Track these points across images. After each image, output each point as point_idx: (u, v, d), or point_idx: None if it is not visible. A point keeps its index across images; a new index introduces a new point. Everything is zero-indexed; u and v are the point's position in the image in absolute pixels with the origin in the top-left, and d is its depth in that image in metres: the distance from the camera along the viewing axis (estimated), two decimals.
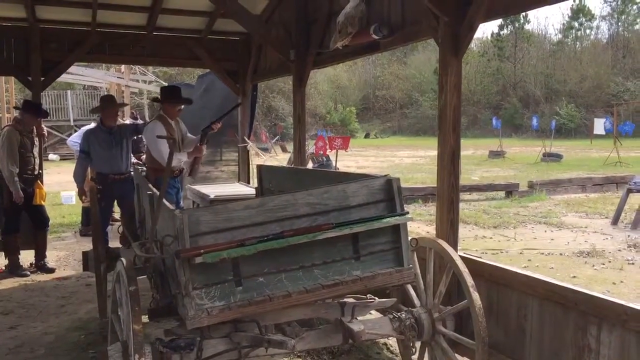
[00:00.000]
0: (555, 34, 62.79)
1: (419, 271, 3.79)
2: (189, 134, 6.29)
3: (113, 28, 8.21)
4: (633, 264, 7.66)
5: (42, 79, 7.86)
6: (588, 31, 56.20)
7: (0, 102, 19.52)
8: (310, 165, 14.31)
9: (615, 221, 10.38)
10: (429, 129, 47.14)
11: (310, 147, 15.36)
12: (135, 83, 24.24)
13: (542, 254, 8.22)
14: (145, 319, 3.06)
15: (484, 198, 13.95)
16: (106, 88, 25.42)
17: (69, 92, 29.35)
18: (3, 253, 7.14)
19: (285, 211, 3.01)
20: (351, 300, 3.43)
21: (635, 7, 52.46)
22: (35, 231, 7.21)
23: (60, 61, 7.98)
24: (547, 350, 3.32)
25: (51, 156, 24.18)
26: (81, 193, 6.93)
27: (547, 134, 28.77)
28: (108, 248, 5.31)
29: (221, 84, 9.44)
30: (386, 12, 5.14)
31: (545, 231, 9.86)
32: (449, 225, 4.02)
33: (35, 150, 7.13)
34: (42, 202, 7.15)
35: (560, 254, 8.18)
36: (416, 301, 3.82)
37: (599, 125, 25.11)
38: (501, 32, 55.44)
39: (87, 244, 6.51)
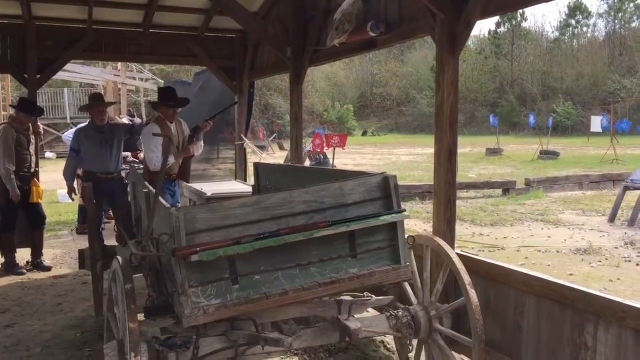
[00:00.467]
0: (552, 32, 62.90)
1: (415, 269, 3.79)
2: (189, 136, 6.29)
3: (109, 25, 8.18)
4: (630, 261, 7.68)
5: (38, 76, 7.83)
6: (585, 29, 56.35)
7: None
8: (307, 163, 14.30)
9: (612, 218, 10.40)
10: (426, 127, 47.20)
11: (308, 144, 15.36)
12: (132, 81, 24.20)
13: (539, 251, 8.23)
14: (141, 317, 3.05)
15: (481, 195, 13.97)
16: (103, 86, 25.35)
17: (65, 89, 29.28)
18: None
19: (281, 209, 3.00)
20: (348, 298, 3.43)
21: (632, 4, 52.53)
22: (32, 229, 7.18)
23: (56, 59, 7.95)
24: (544, 348, 3.32)
25: (47, 154, 24.12)
26: (71, 191, 6.87)
27: (544, 132, 28.83)
28: (104, 246, 5.30)
29: (217, 81, 9.43)
30: (383, 9, 5.13)
31: (542, 228, 9.87)
32: (445, 223, 4.02)
33: (32, 148, 7.10)
34: (39, 200, 7.13)
35: (557, 252, 8.19)
36: (413, 299, 3.82)
37: (596, 123, 25.18)
38: (498, 30, 55.54)
39: (84, 242, 6.49)
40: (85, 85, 29.44)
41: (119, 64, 21.31)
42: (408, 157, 26.33)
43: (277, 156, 22.99)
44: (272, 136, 32.79)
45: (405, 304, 3.80)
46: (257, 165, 5.44)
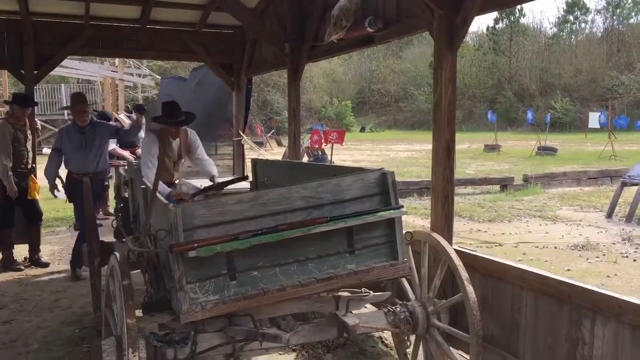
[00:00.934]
0: (551, 28, 63.05)
1: (413, 265, 3.80)
2: (200, 151, 5.83)
3: (106, 21, 8.16)
4: (627, 257, 7.69)
5: (36, 72, 7.82)
6: (583, 25, 56.33)
7: None
8: (305, 159, 14.29)
9: (609, 214, 10.41)
10: (425, 123, 47.22)
11: (306, 141, 15.35)
12: (130, 77, 24.14)
13: (537, 247, 8.24)
14: (139, 313, 3.05)
15: (479, 192, 13.98)
16: (100, 82, 25.32)
17: (62, 85, 29.21)
18: None
19: (279, 205, 3.00)
20: (346, 294, 3.43)
21: (630, 0, 52.53)
22: (29, 226, 7.17)
23: (53, 54, 7.93)
24: (542, 343, 3.33)
25: (45, 150, 24.03)
26: (53, 189, 6.72)
27: (542, 128, 28.83)
28: (102, 242, 5.29)
29: (214, 77, 9.41)
30: (381, 5, 5.13)
31: (540, 224, 9.88)
32: (443, 219, 4.02)
33: (29, 144, 7.08)
34: (36, 197, 7.12)
35: (555, 247, 8.20)
36: (411, 295, 3.82)
37: (594, 119, 25.19)
38: (496, 26, 55.52)
39: None
40: (83, 82, 29.38)
41: (117, 60, 21.27)
42: (406, 154, 26.33)
43: (275, 152, 22.97)
44: (270, 132, 32.76)
45: (403, 300, 3.80)
46: (255, 162, 5.43)
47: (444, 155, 4.00)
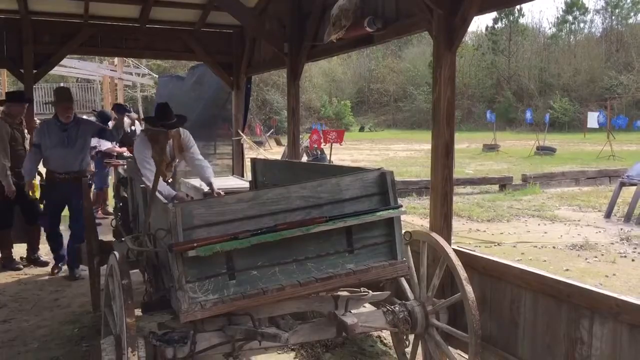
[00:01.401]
0: (550, 28, 63.10)
1: (412, 264, 3.80)
2: (194, 151, 5.73)
3: (106, 20, 8.16)
4: (625, 257, 7.70)
5: (35, 71, 7.82)
6: (582, 25, 56.36)
7: None
8: (304, 159, 14.30)
9: (608, 214, 10.42)
10: (424, 123, 47.22)
11: (305, 140, 15.35)
12: (129, 76, 24.14)
13: (536, 247, 8.25)
14: (138, 312, 3.06)
15: (478, 191, 13.99)
16: (99, 81, 25.30)
17: (62, 84, 29.19)
18: None
19: (278, 204, 3.01)
20: (345, 293, 3.44)
21: (628, 0, 52.56)
22: (28, 225, 7.17)
23: (52, 53, 7.93)
24: (540, 343, 3.34)
25: None
26: (29, 187, 6.58)
27: (541, 128, 28.85)
28: (101, 242, 5.29)
29: (213, 76, 9.40)
30: (380, 5, 5.13)
31: (539, 224, 9.89)
32: (442, 219, 4.02)
33: (27, 144, 7.07)
34: (35, 196, 7.11)
35: (553, 247, 8.21)
36: (410, 294, 3.83)
37: (593, 119, 25.22)
38: (496, 26, 55.51)
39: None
40: (82, 81, 29.38)
41: (116, 59, 21.26)
42: (405, 153, 26.33)
43: (274, 152, 22.97)
44: (270, 132, 32.76)
45: (402, 299, 3.81)
46: (254, 161, 5.43)
47: (443, 155, 4.00)
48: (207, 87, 10.17)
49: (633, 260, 7.55)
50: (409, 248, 3.80)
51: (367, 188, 3.22)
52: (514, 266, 3.58)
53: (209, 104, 9.97)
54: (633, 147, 25.89)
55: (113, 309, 3.20)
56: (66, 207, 6.69)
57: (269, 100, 45.46)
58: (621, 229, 9.40)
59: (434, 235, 3.80)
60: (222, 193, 5.39)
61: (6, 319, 5.33)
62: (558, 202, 12.26)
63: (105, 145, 9.98)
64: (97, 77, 24.77)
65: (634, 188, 10.35)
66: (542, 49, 53.65)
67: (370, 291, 3.58)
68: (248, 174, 7.36)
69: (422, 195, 12.62)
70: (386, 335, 4.66)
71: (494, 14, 54.37)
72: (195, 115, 9.77)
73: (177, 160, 5.89)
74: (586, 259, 7.59)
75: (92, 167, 9.99)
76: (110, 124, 10.22)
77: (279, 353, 4.38)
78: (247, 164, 7.52)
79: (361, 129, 50.15)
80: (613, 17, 53.66)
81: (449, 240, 3.90)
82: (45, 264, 7.16)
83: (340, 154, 22.27)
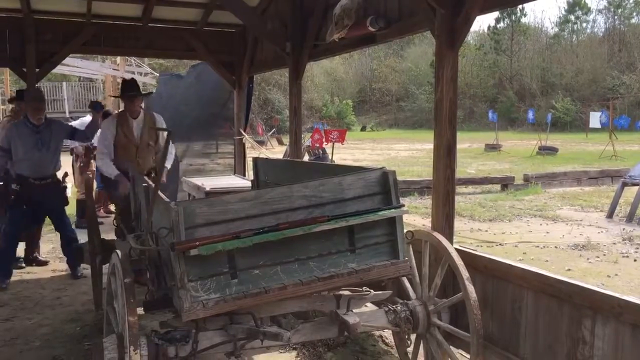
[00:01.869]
0: (552, 28, 62.96)
1: (414, 264, 3.80)
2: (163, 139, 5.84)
3: (108, 19, 8.16)
4: (627, 257, 7.70)
5: (37, 70, 7.82)
6: (584, 25, 56.36)
7: None
8: (306, 158, 14.30)
9: (610, 214, 10.42)
10: (426, 122, 47.20)
11: (307, 139, 15.34)
12: (131, 75, 24.14)
13: (537, 246, 8.25)
14: (140, 311, 3.06)
15: (480, 191, 13.98)
16: (102, 80, 25.32)
17: (64, 83, 29.24)
18: None
19: (281, 204, 3.01)
20: (347, 292, 3.44)
21: (631, 0, 52.47)
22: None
23: (55, 52, 7.93)
24: (542, 343, 3.34)
25: None
26: None
27: (543, 128, 28.80)
28: (103, 240, 5.30)
29: (211, 74, 9.38)
30: (383, 5, 5.13)
31: (541, 224, 9.89)
32: (444, 218, 4.02)
33: None
34: None
35: (555, 247, 8.21)
36: (411, 294, 3.83)
37: (595, 119, 25.19)
38: (498, 25, 55.45)
39: (82, 236, 6.49)
40: (84, 80, 29.41)
41: (118, 58, 21.27)
42: (407, 153, 26.33)
43: (276, 151, 22.97)
44: (271, 131, 32.76)
45: (403, 298, 3.81)
46: (256, 160, 5.43)
47: (445, 155, 4.00)
48: (205, 86, 10.15)
49: (635, 260, 7.54)
50: (410, 247, 3.81)
51: (369, 187, 3.22)
52: (516, 266, 3.58)
53: (209, 103, 9.96)
54: (635, 147, 25.85)
55: (115, 308, 3.21)
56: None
57: (270, 99, 45.46)
58: (623, 229, 9.39)
59: (436, 234, 3.80)
60: (164, 180, 5.39)
61: (8, 317, 5.34)
62: (560, 202, 12.25)
63: None
64: (100, 76, 24.79)
65: (636, 188, 10.33)
66: (545, 48, 53.61)
67: (372, 290, 3.57)
68: (249, 174, 7.37)
69: (423, 194, 12.62)
70: (388, 334, 4.66)
71: (496, 14, 54.32)
72: (195, 114, 9.76)
73: (153, 147, 5.86)
74: (588, 259, 7.58)
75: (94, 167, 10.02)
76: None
77: (281, 352, 4.39)
78: (249, 163, 7.52)
79: (363, 129, 50.13)
80: (615, 17, 53.61)
81: (450, 240, 3.90)
82: (44, 263, 7.16)
83: (342, 154, 22.27)
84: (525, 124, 38.61)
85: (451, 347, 3.64)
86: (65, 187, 6.59)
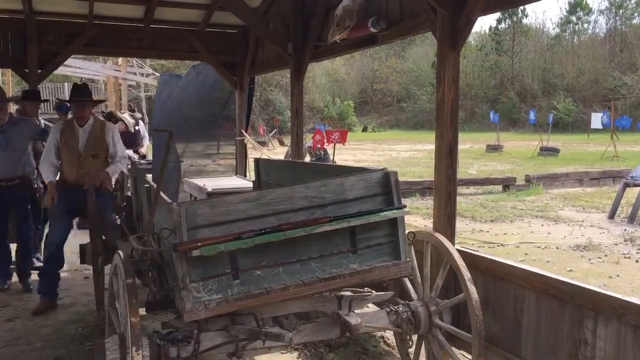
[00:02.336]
0: (553, 28, 62.89)
1: (416, 264, 3.80)
2: (114, 149, 5.62)
3: (110, 20, 8.17)
4: (629, 258, 7.69)
5: (39, 71, 7.83)
6: (586, 25, 56.33)
7: None
8: (307, 159, 14.30)
9: (611, 215, 10.41)
10: (427, 123, 47.18)
11: (308, 140, 15.35)
12: (133, 76, 24.15)
13: (539, 247, 8.24)
14: (142, 311, 3.06)
15: (481, 192, 13.98)
16: (103, 81, 25.34)
17: (66, 84, 29.25)
18: None
19: (282, 204, 3.01)
20: (348, 293, 3.44)
21: (633, 1, 52.43)
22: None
23: (57, 53, 7.94)
24: (544, 344, 3.33)
25: None
26: None
27: (545, 128, 28.80)
28: (105, 241, 5.30)
29: (211, 74, 9.38)
30: (384, 6, 5.13)
31: (542, 225, 9.88)
32: (446, 219, 4.02)
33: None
34: None
35: (557, 248, 8.20)
36: (413, 294, 3.83)
37: (596, 120, 25.19)
38: (499, 26, 55.45)
39: (85, 237, 6.49)
40: (86, 80, 29.43)
41: (120, 59, 21.29)
42: (408, 153, 26.33)
43: (277, 152, 22.99)
44: (273, 132, 32.78)
45: (405, 299, 3.81)
46: (257, 161, 5.44)
47: (446, 155, 4.00)
48: (206, 86, 10.15)
49: (637, 261, 7.53)
50: (412, 248, 3.81)
51: (371, 188, 3.23)
52: (518, 267, 3.58)
53: (210, 103, 9.95)
54: (637, 147, 25.83)
55: (117, 308, 3.21)
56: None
57: (272, 100, 45.49)
58: (625, 229, 9.38)
59: (438, 235, 3.80)
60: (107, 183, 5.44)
61: (10, 317, 5.34)
62: (561, 202, 12.25)
63: None
64: (101, 77, 24.81)
65: (637, 189, 10.34)
66: (546, 49, 53.58)
67: (373, 291, 3.58)
68: (251, 174, 7.37)
69: (425, 195, 12.63)
70: (389, 335, 4.66)
71: (497, 15, 54.32)
72: (196, 114, 9.76)
73: (102, 156, 5.58)
74: (590, 259, 7.58)
75: None
76: (119, 125, 10.24)
77: (283, 353, 4.39)
78: (250, 163, 7.52)
79: (364, 129, 50.14)
80: (617, 18, 53.56)
81: (452, 241, 3.90)
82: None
83: (343, 154, 22.27)
84: (527, 125, 38.61)
85: (453, 348, 3.64)
86: (37, 189, 6.45)
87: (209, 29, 8.67)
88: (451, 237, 3.95)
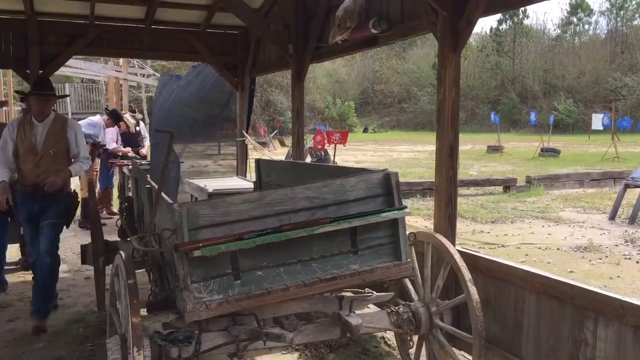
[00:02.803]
0: (554, 29, 62.86)
1: (416, 265, 3.81)
2: (76, 147, 5.23)
3: (111, 21, 8.18)
4: (630, 259, 7.69)
5: (41, 72, 7.83)
6: (587, 26, 56.33)
7: None
8: (308, 160, 14.32)
9: (612, 216, 10.41)
10: (427, 124, 47.22)
11: (309, 141, 15.36)
12: (134, 77, 24.15)
13: (540, 248, 8.24)
14: (143, 312, 3.07)
15: (482, 193, 13.98)
16: (104, 81, 25.35)
17: (67, 85, 29.28)
18: None
19: (283, 205, 3.02)
20: (349, 294, 3.44)
21: (634, 2, 52.43)
22: None
23: (58, 54, 7.95)
24: (544, 345, 3.34)
25: None
26: None
27: (545, 129, 28.83)
28: (106, 241, 5.30)
29: (211, 75, 9.39)
30: (385, 7, 5.14)
31: (543, 226, 9.88)
32: (447, 220, 4.03)
33: None
34: None
35: (558, 249, 8.20)
36: (414, 295, 3.83)
37: (597, 121, 25.19)
38: (500, 27, 55.49)
39: (86, 237, 6.51)
40: (87, 81, 29.48)
41: (121, 59, 21.31)
42: (409, 154, 26.33)
43: (278, 153, 23.00)
44: (273, 133, 32.79)
45: (406, 300, 3.81)
46: (258, 162, 5.45)
47: (447, 156, 4.01)
48: (206, 87, 10.15)
49: (638, 262, 7.53)
50: (413, 249, 3.82)
51: (372, 189, 3.23)
52: (518, 267, 3.58)
53: (210, 104, 9.95)
54: (638, 149, 25.82)
55: (118, 309, 3.22)
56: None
57: (272, 101, 45.51)
58: (625, 230, 9.38)
59: (438, 236, 3.80)
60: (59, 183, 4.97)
61: (11, 318, 5.35)
62: (562, 203, 12.25)
63: (111, 144, 10.02)
64: (102, 78, 24.82)
65: (638, 190, 10.33)
66: (547, 50, 53.61)
67: (374, 292, 3.58)
68: (251, 175, 7.38)
69: (425, 196, 12.62)
70: (390, 336, 4.66)
71: (498, 16, 54.33)
72: (196, 115, 9.76)
73: (74, 152, 5.22)
74: (590, 260, 7.58)
75: (97, 166, 10.05)
76: (121, 125, 10.27)
77: (283, 353, 4.40)
78: (251, 164, 7.52)
79: (365, 130, 50.17)
80: (618, 19, 53.55)
81: (453, 242, 3.90)
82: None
83: (344, 155, 22.28)
84: (528, 126, 38.60)
85: (453, 348, 3.64)
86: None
87: (210, 29, 8.68)
88: (452, 238, 3.95)
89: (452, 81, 3.95)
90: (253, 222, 2.94)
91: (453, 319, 3.72)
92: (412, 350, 3.99)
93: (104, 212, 9.96)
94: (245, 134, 9.32)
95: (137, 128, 10.84)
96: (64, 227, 5.36)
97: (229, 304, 2.89)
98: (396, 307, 3.62)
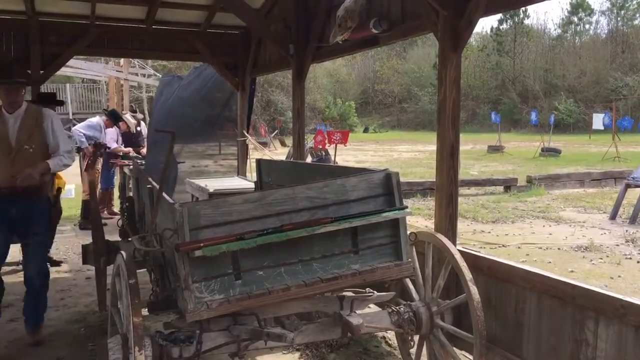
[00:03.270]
0: (555, 29, 62.88)
1: (417, 265, 3.81)
2: (55, 141, 4.70)
3: (112, 21, 8.20)
4: (630, 258, 7.68)
5: (42, 72, 7.85)
6: (587, 26, 56.29)
7: None
8: (309, 160, 14.31)
9: (613, 216, 10.40)
10: (428, 124, 47.21)
11: (309, 141, 15.36)
12: (134, 77, 24.18)
13: (540, 248, 8.24)
14: (144, 312, 3.07)
15: (483, 193, 13.98)
16: (105, 81, 25.36)
17: (68, 85, 29.31)
18: None
19: (284, 205, 3.02)
20: (350, 294, 3.45)
21: (634, 1, 52.41)
22: None
23: (59, 54, 7.97)
24: (545, 345, 3.34)
25: None
26: None
27: (546, 129, 28.81)
28: (108, 241, 5.31)
29: (211, 75, 9.40)
30: (386, 7, 5.14)
31: (544, 226, 9.88)
32: (447, 220, 4.03)
33: None
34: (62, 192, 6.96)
35: (558, 249, 8.20)
36: (415, 295, 3.83)
37: (598, 120, 25.18)
38: (501, 27, 55.48)
39: (87, 237, 6.51)
40: (88, 81, 29.49)
41: (122, 59, 21.32)
42: (410, 154, 26.33)
43: (279, 153, 23.01)
44: (274, 133, 32.80)
45: (406, 300, 3.81)
46: (259, 162, 5.45)
47: (448, 156, 4.01)
48: (206, 87, 10.16)
49: (638, 262, 7.53)
50: (414, 249, 3.82)
51: (373, 189, 3.23)
52: (519, 267, 3.58)
53: (211, 104, 9.96)
54: (638, 148, 25.81)
55: (120, 309, 3.22)
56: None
57: (273, 101, 45.51)
58: (626, 230, 9.38)
59: (439, 236, 3.81)
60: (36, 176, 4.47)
61: (12, 318, 5.35)
62: (563, 203, 12.24)
63: (112, 144, 10.02)
64: (103, 78, 24.84)
65: (639, 190, 10.33)
66: (547, 50, 53.58)
67: (375, 292, 3.58)
68: (252, 175, 7.38)
69: (426, 196, 12.62)
70: (391, 335, 4.67)
71: (499, 15, 54.31)
72: (197, 115, 9.77)
73: (52, 145, 4.71)
74: (591, 260, 7.57)
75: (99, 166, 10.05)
76: (120, 125, 10.27)
77: (284, 353, 4.40)
78: (251, 164, 7.53)
79: (365, 130, 50.16)
80: (619, 19, 53.53)
81: (454, 241, 3.90)
82: (57, 263, 7.16)
83: (345, 155, 22.27)
84: (528, 126, 38.57)
85: (454, 348, 3.65)
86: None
87: (211, 30, 8.69)
88: (452, 238, 3.95)
89: (452, 81, 3.95)
90: (254, 222, 2.94)
91: (454, 318, 3.72)
92: (413, 350, 3.99)
93: (105, 212, 9.97)
94: (246, 134, 9.33)
95: (138, 128, 10.85)
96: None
97: (230, 304, 2.89)
98: (397, 307, 3.62)
